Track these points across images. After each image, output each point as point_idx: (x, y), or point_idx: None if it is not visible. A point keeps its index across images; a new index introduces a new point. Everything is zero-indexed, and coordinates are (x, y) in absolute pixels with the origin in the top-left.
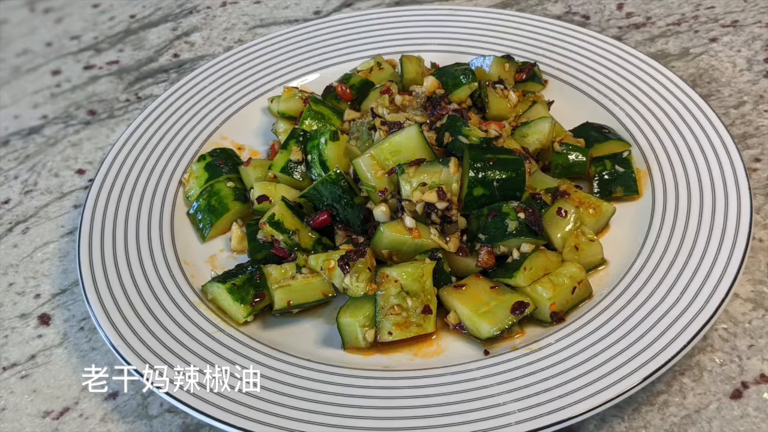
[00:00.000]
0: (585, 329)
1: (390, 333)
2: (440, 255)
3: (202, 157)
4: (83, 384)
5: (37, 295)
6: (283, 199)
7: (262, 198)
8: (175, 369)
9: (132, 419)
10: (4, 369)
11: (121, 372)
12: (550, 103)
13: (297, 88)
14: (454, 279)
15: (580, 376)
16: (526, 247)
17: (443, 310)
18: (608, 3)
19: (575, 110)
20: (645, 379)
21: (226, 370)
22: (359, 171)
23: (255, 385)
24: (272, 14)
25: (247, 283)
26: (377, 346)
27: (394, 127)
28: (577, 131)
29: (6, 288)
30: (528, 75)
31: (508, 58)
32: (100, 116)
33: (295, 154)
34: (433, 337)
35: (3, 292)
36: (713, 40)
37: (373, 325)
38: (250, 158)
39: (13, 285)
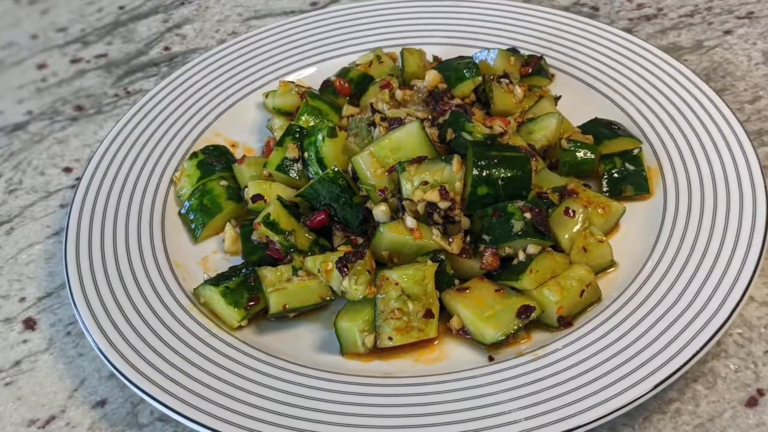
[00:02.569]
0: (593, 334)
1: (390, 338)
2: (443, 257)
3: (194, 155)
4: (70, 391)
5: (22, 299)
6: (279, 198)
7: (257, 197)
8: (166, 375)
9: (121, 428)
10: None
11: (109, 378)
12: (557, 99)
13: (293, 82)
14: (457, 282)
15: (588, 383)
16: (532, 249)
17: (446, 314)
18: None
19: (583, 106)
20: (656, 386)
21: (219, 377)
22: (358, 169)
23: (249, 392)
24: (267, 5)
25: (241, 286)
26: (377, 351)
27: (395, 123)
28: (586, 127)
29: None
30: (534, 69)
31: (513, 51)
32: (88, 112)
33: (292, 151)
34: (436, 342)
35: None
36: (728, 32)
37: (373, 330)
38: (244, 156)
39: None
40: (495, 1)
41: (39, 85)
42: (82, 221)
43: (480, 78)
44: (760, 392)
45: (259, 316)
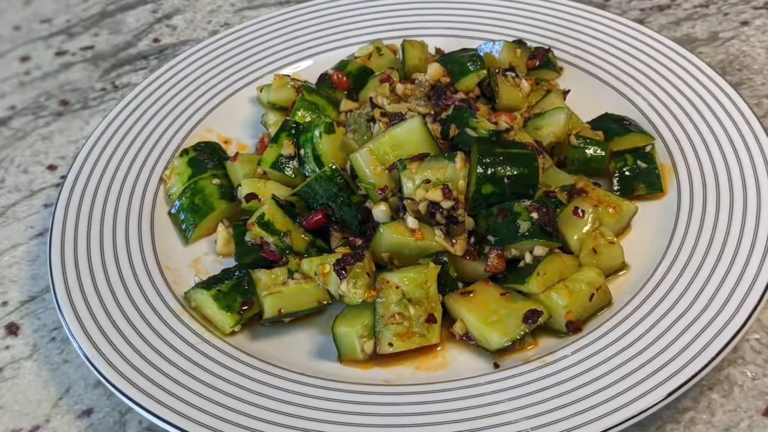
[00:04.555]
0: (604, 340)
1: (390, 344)
2: (445, 259)
3: (185, 152)
4: (55, 400)
5: (4, 303)
6: (274, 197)
7: (251, 196)
8: (155, 383)
9: None
10: None
11: (96, 386)
12: (565, 93)
13: (289, 76)
14: (460, 285)
15: (598, 391)
16: (539, 250)
17: (449, 319)
18: None
19: (593, 100)
20: (670, 394)
21: (211, 385)
22: (357, 167)
23: (242, 401)
24: None
25: (234, 290)
26: (377, 358)
27: (395, 118)
28: (596, 123)
29: None
30: (542, 62)
31: (519, 43)
32: (74, 107)
33: (287, 148)
34: (438, 348)
35: None
36: (744, 23)
37: (372, 336)
38: (237, 153)
39: None
40: None
41: (22, 79)
42: (68, 221)
43: (485, 71)
44: None
45: (253, 321)
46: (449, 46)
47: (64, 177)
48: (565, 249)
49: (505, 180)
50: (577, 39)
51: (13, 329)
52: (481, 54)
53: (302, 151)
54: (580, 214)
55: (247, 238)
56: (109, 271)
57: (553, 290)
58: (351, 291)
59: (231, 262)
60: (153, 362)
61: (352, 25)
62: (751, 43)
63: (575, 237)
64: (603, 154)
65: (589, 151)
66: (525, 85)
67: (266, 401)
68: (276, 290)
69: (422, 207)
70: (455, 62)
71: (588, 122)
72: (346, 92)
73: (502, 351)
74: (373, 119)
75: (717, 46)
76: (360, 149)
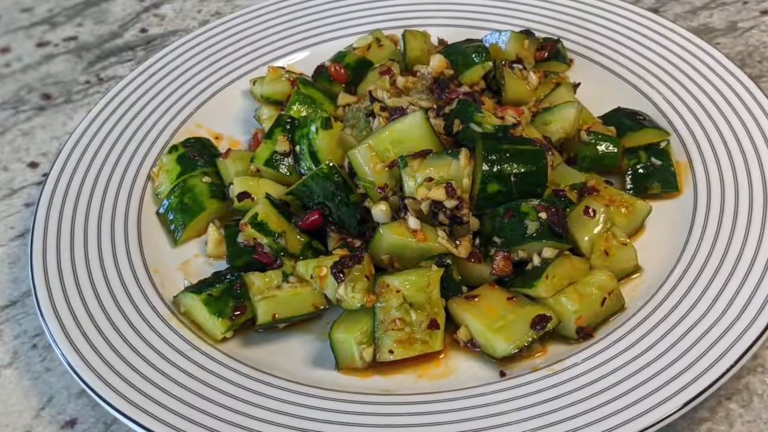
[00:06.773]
0: (616, 347)
1: (391, 351)
2: (449, 261)
3: (174, 148)
4: (36, 410)
5: None
6: (267, 196)
7: (243, 195)
8: (142, 393)
9: None
10: None
11: (80, 396)
12: (576, 86)
13: (283, 68)
14: (465, 289)
15: (610, 401)
16: (548, 252)
17: (452, 324)
18: None
19: (605, 94)
20: (686, 404)
21: (201, 394)
22: (355, 164)
23: (235, 411)
24: None
25: (226, 294)
26: (376, 366)
27: (396, 113)
28: (608, 118)
29: None
30: (551, 53)
31: (527, 33)
32: (56, 101)
33: (282, 144)
34: (441, 356)
35: None
36: (765, 12)
37: (372, 343)
38: (229, 149)
39: None
40: None
41: (2, 71)
42: (50, 222)
43: (490, 63)
44: None
45: (246, 326)
46: (453, 36)
47: (46, 175)
48: (576, 251)
49: (512, 178)
50: (588, 29)
51: None
52: (487, 45)
53: (298, 148)
54: (591, 214)
55: (240, 239)
56: (93, 274)
57: (562, 294)
58: (349, 295)
59: (222, 265)
60: (140, 370)
61: (351, 15)
62: None
63: (586, 238)
64: (615, 150)
65: (601, 148)
66: (533, 77)
67: (260, 411)
68: (270, 294)
69: (424, 206)
70: (459, 53)
71: (599, 117)
72: (344, 85)
73: (509, 358)
74: (372, 114)
75: (736, 36)
76: (359, 145)
